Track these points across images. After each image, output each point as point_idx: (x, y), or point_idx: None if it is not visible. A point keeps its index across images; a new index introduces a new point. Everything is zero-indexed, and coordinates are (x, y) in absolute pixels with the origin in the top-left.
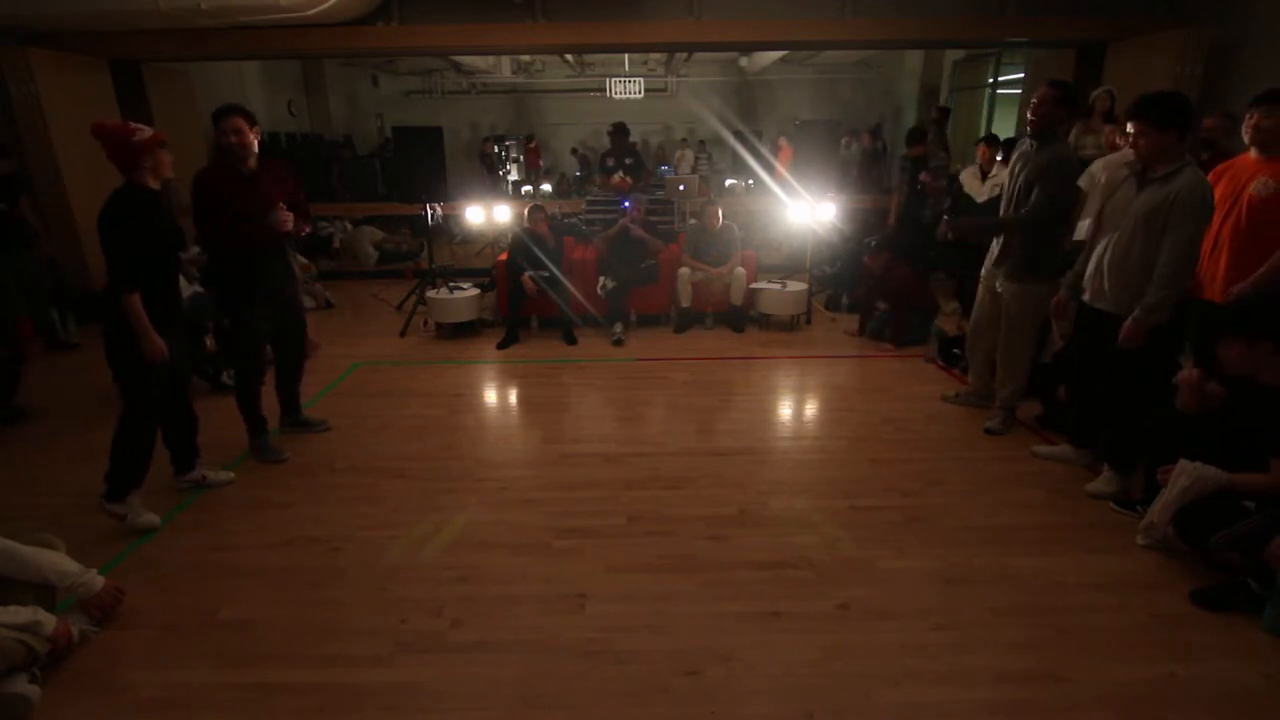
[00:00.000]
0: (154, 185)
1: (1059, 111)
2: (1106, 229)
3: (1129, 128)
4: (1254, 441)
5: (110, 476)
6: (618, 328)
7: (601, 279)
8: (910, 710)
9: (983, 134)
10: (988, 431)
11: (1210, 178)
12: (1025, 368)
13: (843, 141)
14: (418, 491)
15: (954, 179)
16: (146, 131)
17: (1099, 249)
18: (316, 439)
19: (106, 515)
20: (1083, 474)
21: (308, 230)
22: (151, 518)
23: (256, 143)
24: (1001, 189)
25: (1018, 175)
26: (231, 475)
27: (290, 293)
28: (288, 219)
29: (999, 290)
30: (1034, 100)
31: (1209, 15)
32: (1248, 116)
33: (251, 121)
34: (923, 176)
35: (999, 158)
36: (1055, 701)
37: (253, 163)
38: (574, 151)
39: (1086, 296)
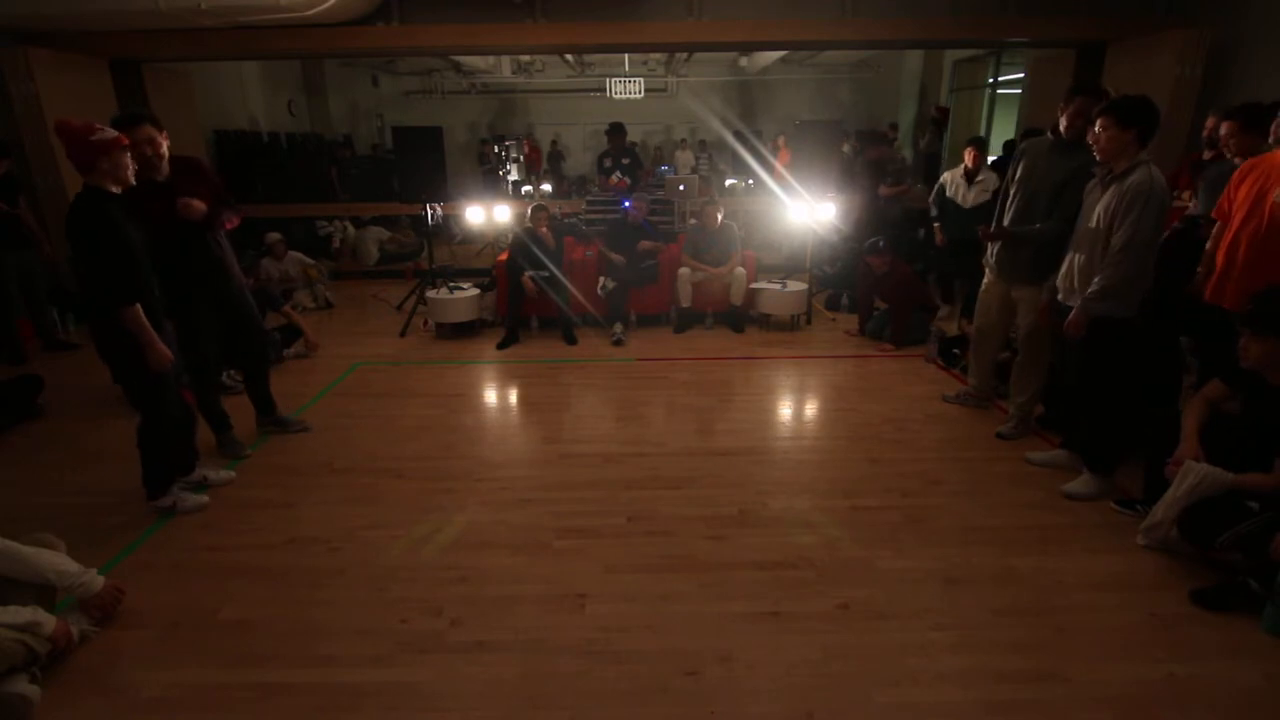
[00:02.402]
0: (113, 189)
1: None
2: (1079, 233)
3: (1096, 125)
4: (1261, 441)
5: (146, 479)
6: (618, 328)
7: (601, 279)
8: (910, 710)
9: (982, 134)
10: (1000, 436)
11: (1236, 176)
12: (1044, 371)
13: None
14: (417, 491)
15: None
16: (109, 132)
17: (1071, 250)
18: (317, 439)
19: (156, 512)
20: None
21: (237, 223)
22: (199, 498)
23: (167, 148)
24: (994, 194)
25: (1034, 177)
26: (232, 474)
27: (228, 292)
28: (189, 206)
29: (1013, 295)
30: (1072, 110)
31: (1208, 15)
32: (1278, 115)
33: (159, 128)
34: (882, 190)
35: (993, 158)
36: (1055, 701)
37: (165, 170)
38: (553, 144)
39: (1060, 296)
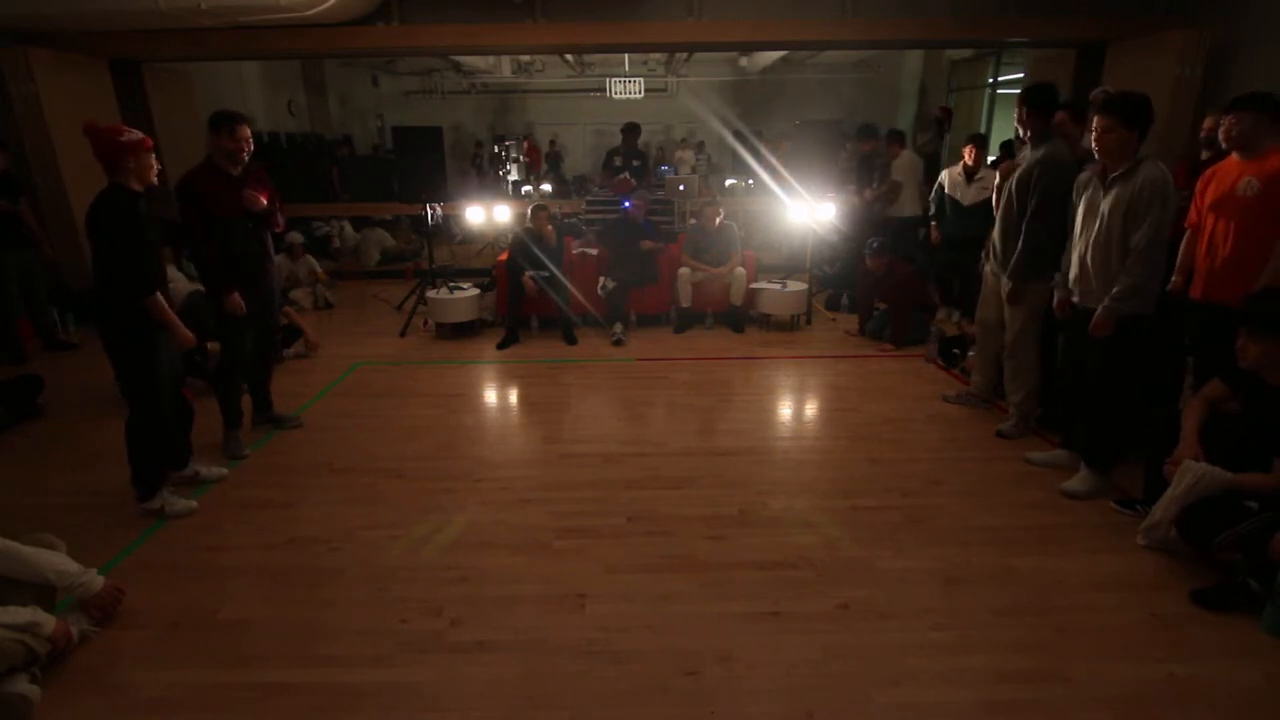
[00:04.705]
0: (136, 188)
1: (1041, 121)
2: (1082, 230)
3: (1095, 122)
4: (1260, 441)
5: (135, 480)
6: (618, 328)
7: (601, 279)
8: (910, 710)
9: (982, 134)
10: (1000, 435)
11: (1200, 184)
12: (1035, 369)
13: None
14: (417, 491)
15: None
16: (135, 134)
17: (1079, 250)
18: (316, 439)
19: (145, 515)
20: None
21: (281, 229)
22: (188, 503)
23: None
24: (993, 192)
25: (1014, 175)
26: (224, 471)
27: (269, 288)
28: (255, 198)
29: (1002, 292)
30: (1015, 118)
31: (1208, 15)
32: (1222, 121)
33: (251, 128)
34: (867, 194)
35: (991, 158)
36: (1055, 701)
37: (242, 167)
38: (551, 144)
39: (1076, 298)
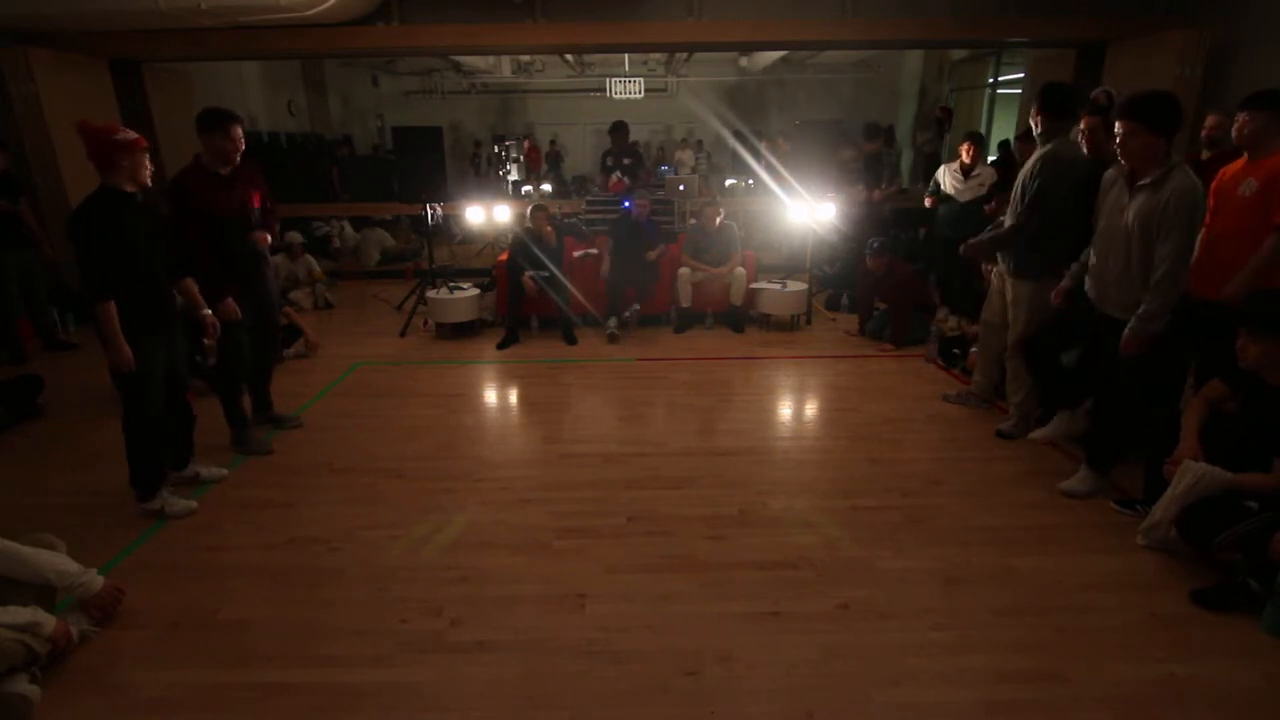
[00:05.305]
0: (129, 189)
1: (1050, 121)
2: (1103, 233)
3: (1117, 128)
4: (1260, 441)
5: (133, 480)
6: (611, 322)
7: (627, 313)
8: (910, 710)
9: (982, 133)
10: (1000, 435)
11: (1214, 183)
12: None
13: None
14: (417, 491)
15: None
16: (130, 134)
17: (1098, 254)
18: (316, 439)
19: (145, 515)
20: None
21: (274, 234)
22: (188, 504)
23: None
24: (991, 188)
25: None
26: (224, 472)
27: (265, 290)
28: (265, 238)
29: (1006, 288)
30: (1033, 111)
31: (1208, 15)
32: (1236, 119)
33: (243, 127)
34: (876, 195)
35: (991, 158)
36: (1055, 701)
37: (233, 167)
38: (552, 144)
39: (1093, 295)
